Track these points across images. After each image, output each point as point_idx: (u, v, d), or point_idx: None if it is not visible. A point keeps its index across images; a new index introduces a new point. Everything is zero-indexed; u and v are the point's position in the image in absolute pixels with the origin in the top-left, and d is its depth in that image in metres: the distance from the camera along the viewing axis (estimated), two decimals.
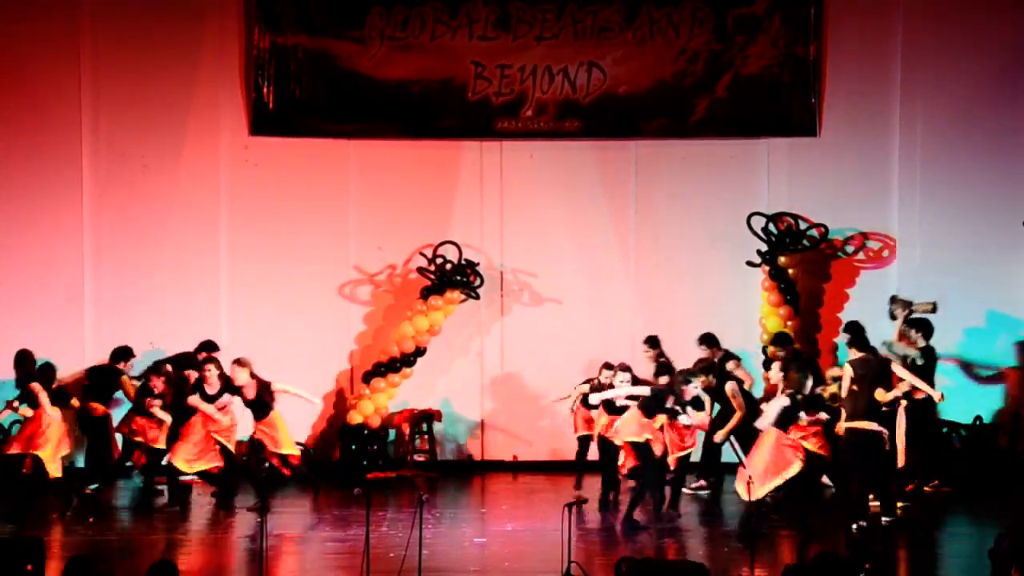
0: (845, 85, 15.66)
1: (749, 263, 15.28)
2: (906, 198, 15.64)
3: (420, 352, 15.42)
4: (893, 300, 14.68)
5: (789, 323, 15.20)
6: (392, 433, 15.60)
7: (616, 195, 15.86)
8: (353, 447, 15.27)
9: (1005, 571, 9.74)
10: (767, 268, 15.29)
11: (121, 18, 15.53)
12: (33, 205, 15.43)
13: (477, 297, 15.53)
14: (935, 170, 15.61)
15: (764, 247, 15.30)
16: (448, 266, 15.42)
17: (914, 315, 14.32)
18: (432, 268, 15.43)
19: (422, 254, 15.57)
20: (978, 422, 15.27)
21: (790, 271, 15.35)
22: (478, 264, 15.52)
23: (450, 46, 15.68)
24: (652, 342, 14.45)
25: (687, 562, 10.37)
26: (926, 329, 14.01)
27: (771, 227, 15.34)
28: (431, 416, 15.58)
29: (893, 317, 14.52)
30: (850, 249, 15.72)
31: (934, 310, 14.46)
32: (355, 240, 15.84)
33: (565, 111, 15.74)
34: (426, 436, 15.58)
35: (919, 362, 13.77)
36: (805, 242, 15.40)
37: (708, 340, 14.40)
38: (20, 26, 15.44)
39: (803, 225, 15.40)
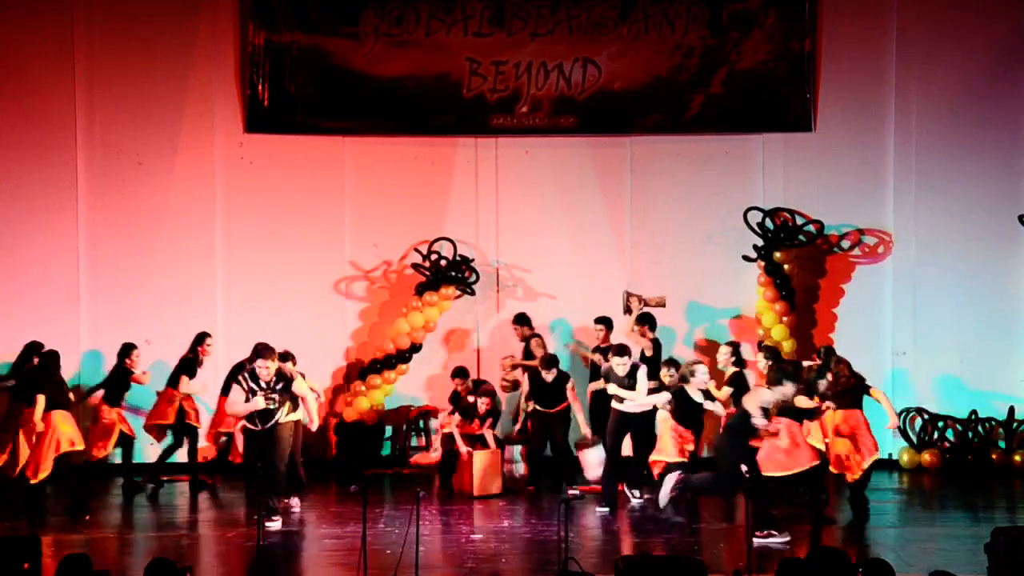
0: (840, 80, 15.67)
1: (745, 258, 15.29)
2: (901, 193, 15.66)
3: (416, 348, 15.43)
4: (629, 295, 14.73)
5: (785, 319, 15.22)
6: (388, 430, 15.63)
7: (612, 191, 15.86)
8: (349, 444, 15.26)
9: (1001, 566, 9.75)
10: (763, 263, 15.30)
11: (115, 15, 15.50)
12: (28, 202, 15.40)
13: (472, 293, 15.53)
14: (930, 165, 15.63)
15: (760, 242, 15.31)
16: (443, 262, 15.42)
17: (644, 309, 14.56)
18: (427, 264, 15.43)
19: (417, 250, 15.57)
20: (973, 416, 15.36)
21: (786, 267, 15.36)
22: (473, 260, 15.52)
23: (445, 42, 15.67)
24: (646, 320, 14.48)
25: (683, 558, 10.37)
26: (651, 323, 14.40)
27: (767, 222, 15.36)
28: (428, 413, 15.59)
29: (628, 311, 14.60)
30: (846, 244, 15.73)
31: (663, 305, 14.78)
32: (351, 237, 15.83)
33: (560, 107, 15.74)
34: (423, 432, 15.58)
35: (648, 353, 14.12)
36: (801, 237, 15.41)
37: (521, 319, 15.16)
38: (14, 23, 15.39)
39: (799, 220, 15.42)
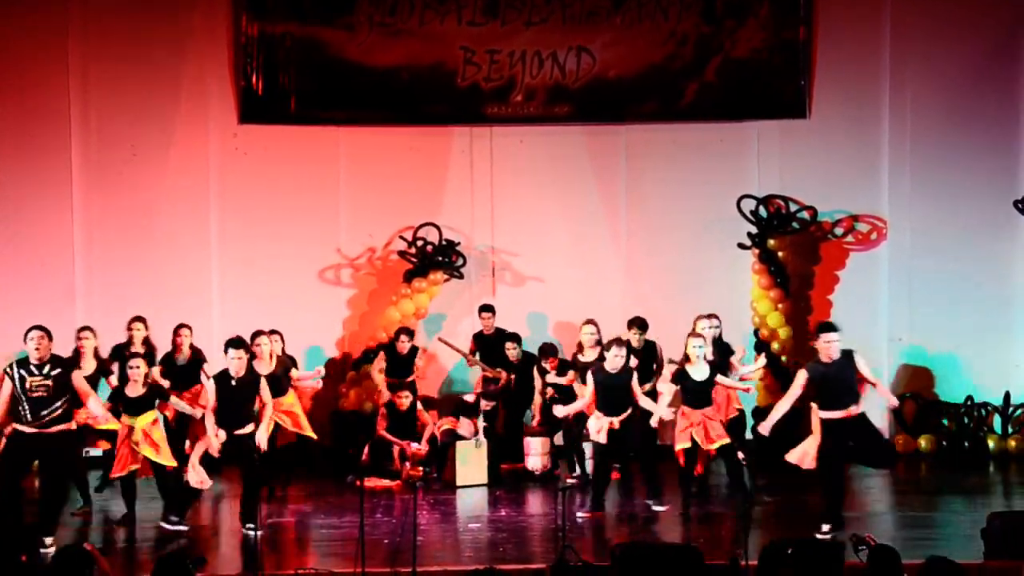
0: (835, 68, 15.67)
1: (740, 245, 15.31)
2: (896, 180, 15.67)
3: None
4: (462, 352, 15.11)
5: (780, 306, 15.25)
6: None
7: (606, 179, 15.86)
8: (345, 433, 15.26)
9: (997, 550, 9.79)
10: (757, 251, 15.32)
11: (109, 7, 15.48)
12: (22, 194, 15.38)
13: (461, 277, 15.53)
14: (925, 152, 15.65)
15: (754, 230, 15.33)
16: (429, 248, 15.41)
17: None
18: (413, 251, 15.42)
19: (402, 237, 15.55)
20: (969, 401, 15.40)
21: (780, 254, 15.38)
22: (458, 244, 15.50)
23: (439, 32, 15.66)
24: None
25: (679, 545, 10.40)
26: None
27: (761, 210, 15.37)
28: (425, 401, 15.58)
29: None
30: (840, 231, 15.75)
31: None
32: (345, 227, 15.83)
33: (555, 96, 15.73)
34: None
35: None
36: (795, 224, 15.43)
37: None
38: (8, 16, 15.36)
39: (793, 207, 15.43)
